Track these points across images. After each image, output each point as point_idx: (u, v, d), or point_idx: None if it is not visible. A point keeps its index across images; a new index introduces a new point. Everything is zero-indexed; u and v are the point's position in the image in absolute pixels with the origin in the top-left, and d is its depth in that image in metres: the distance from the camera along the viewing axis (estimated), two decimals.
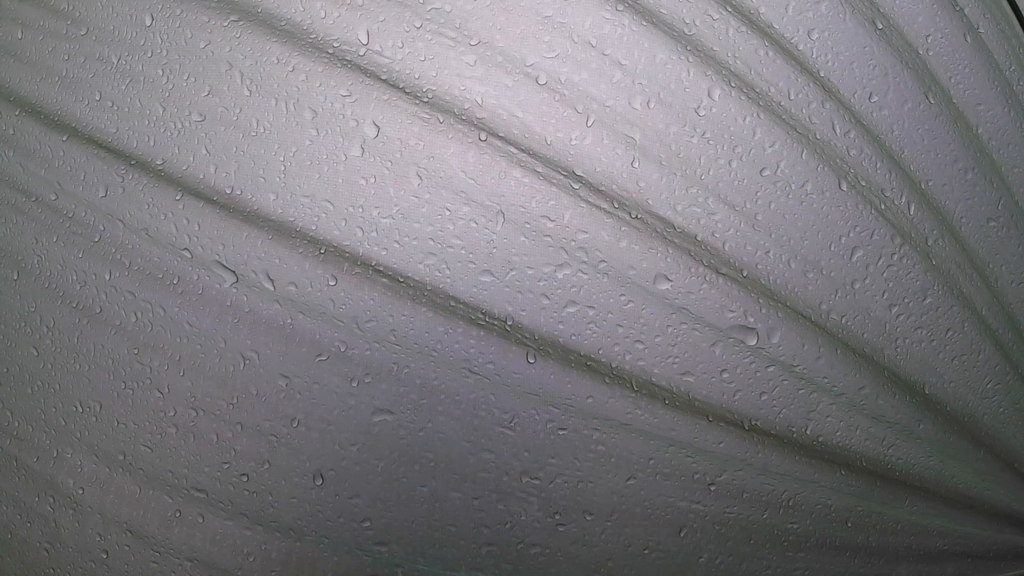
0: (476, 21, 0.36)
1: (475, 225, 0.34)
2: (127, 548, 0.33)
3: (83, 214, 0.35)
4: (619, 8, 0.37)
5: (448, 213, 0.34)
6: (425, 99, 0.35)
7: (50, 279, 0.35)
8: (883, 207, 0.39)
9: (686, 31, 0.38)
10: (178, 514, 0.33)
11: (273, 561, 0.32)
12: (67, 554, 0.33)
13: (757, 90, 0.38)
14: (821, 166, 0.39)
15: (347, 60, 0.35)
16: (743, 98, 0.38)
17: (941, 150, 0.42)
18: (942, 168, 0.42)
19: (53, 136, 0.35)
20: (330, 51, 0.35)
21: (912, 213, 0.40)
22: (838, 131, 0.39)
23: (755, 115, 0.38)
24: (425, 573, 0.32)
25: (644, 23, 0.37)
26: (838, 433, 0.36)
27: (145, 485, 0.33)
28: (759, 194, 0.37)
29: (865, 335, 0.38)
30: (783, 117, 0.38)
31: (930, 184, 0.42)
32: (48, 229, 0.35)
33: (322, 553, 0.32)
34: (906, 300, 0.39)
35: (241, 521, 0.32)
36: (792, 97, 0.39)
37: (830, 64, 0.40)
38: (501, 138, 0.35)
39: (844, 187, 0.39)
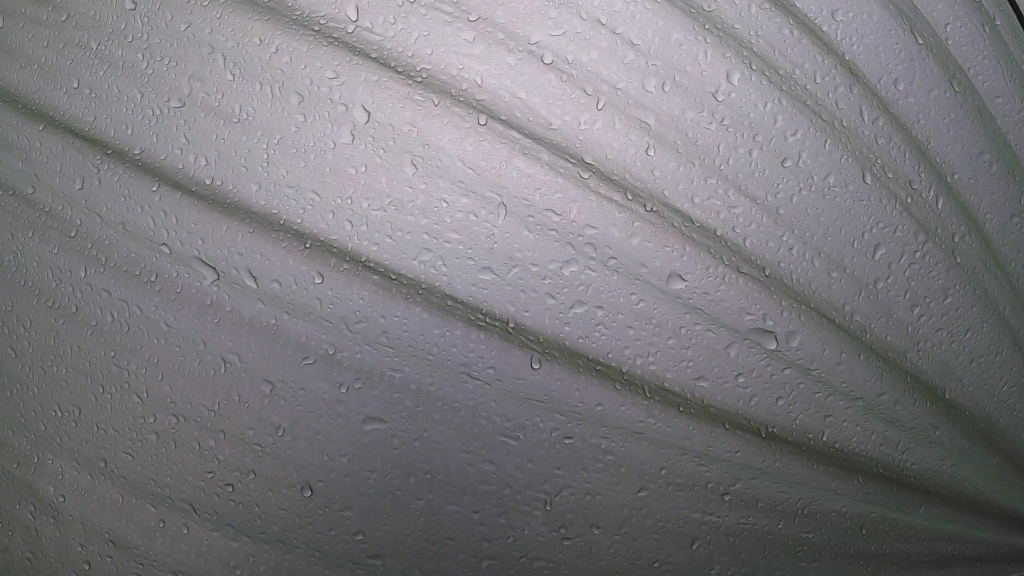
0: None
1: (474, 218, 0.28)
2: (109, 559, 0.28)
3: (60, 208, 0.30)
4: None
5: (445, 205, 0.28)
6: (419, 79, 0.29)
7: (26, 276, 0.30)
8: (909, 201, 0.33)
9: (705, 7, 0.32)
10: (162, 524, 0.28)
11: (262, 574, 0.28)
12: (49, 564, 0.29)
13: (780, 72, 0.32)
14: (845, 157, 0.33)
15: (334, 38, 0.29)
16: (764, 82, 0.32)
17: (967, 142, 0.36)
18: (968, 161, 0.36)
19: (30, 126, 0.30)
20: (316, 28, 0.29)
21: (940, 207, 0.34)
22: (866, 118, 0.33)
23: (776, 101, 0.32)
24: None
25: (659, 0, 0.31)
26: (854, 439, 0.31)
27: (128, 493, 0.28)
28: (781, 186, 0.31)
29: (888, 338, 0.32)
30: (807, 103, 0.32)
31: (956, 177, 0.36)
32: (25, 224, 0.30)
33: (313, 566, 0.28)
34: (928, 300, 0.33)
35: (228, 532, 0.28)
36: (818, 80, 0.33)
37: (855, 47, 0.34)
38: (503, 122, 0.29)
39: (868, 180, 0.33)
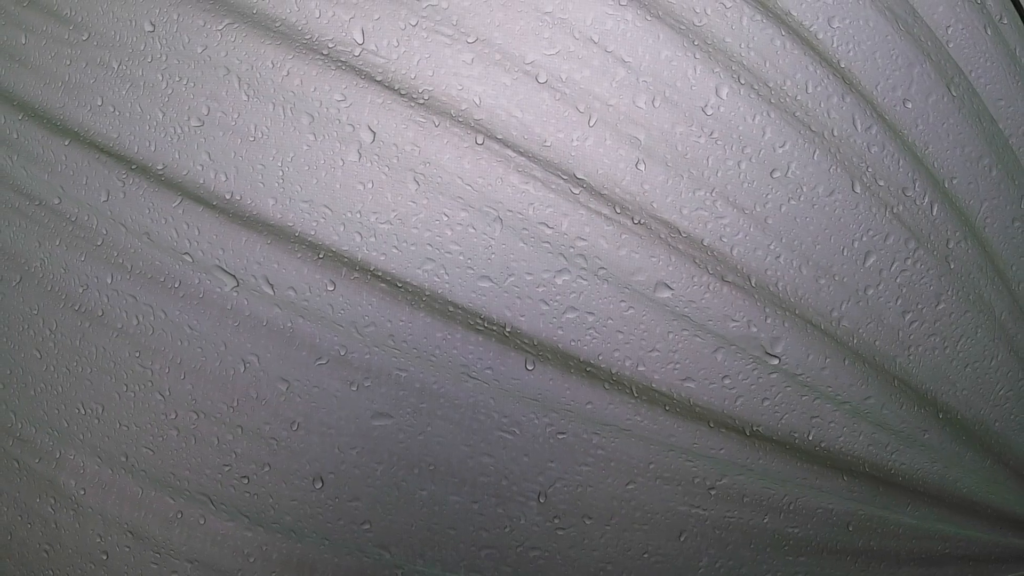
0: (473, 17, 0.36)
1: (473, 230, 0.35)
2: (127, 549, 0.34)
3: (86, 218, 0.36)
4: (622, 3, 0.38)
5: (446, 218, 0.35)
6: (421, 100, 0.36)
7: (53, 282, 0.36)
8: (900, 208, 0.39)
9: (696, 21, 0.38)
10: (179, 515, 0.34)
11: (274, 562, 0.34)
12: (67, 555, 0.34)
13: (770, 84, 0.38)
14: (834, 167, 0.39)
15: (342, 61, 0.36)
16: (752, 96, 0.38)
17: (966, 146, 0.42)
18: (967, 165, 0.42)
19: (55, 140, 0.37)
20: (325, 52, 0.36)
21: (935, 214, 0.40)
22: (859, 126, 0.39)
23: (765, 114, 0.38)
24: (425, 574, 0.34)
25: (649, 18, 0.38)
26: (841, 439, 0.37)
27: (147, 487, 0.34)
28: (769, 197, 0.37)
29: (877, 343, 0.38)
30: (796, 114, 0.38)
31: (955, 182, 0.41)
32: (51, 233, 0.36)
33: (323, 554, 0.34)
34: (920, 306, 0.39)
35: (242, 522, 0.34)
36: (810, 90, 0.39)
37: (851, 54, 0.40)
38: (499, 141, 0.36)
39: (858, 189, 0.39)
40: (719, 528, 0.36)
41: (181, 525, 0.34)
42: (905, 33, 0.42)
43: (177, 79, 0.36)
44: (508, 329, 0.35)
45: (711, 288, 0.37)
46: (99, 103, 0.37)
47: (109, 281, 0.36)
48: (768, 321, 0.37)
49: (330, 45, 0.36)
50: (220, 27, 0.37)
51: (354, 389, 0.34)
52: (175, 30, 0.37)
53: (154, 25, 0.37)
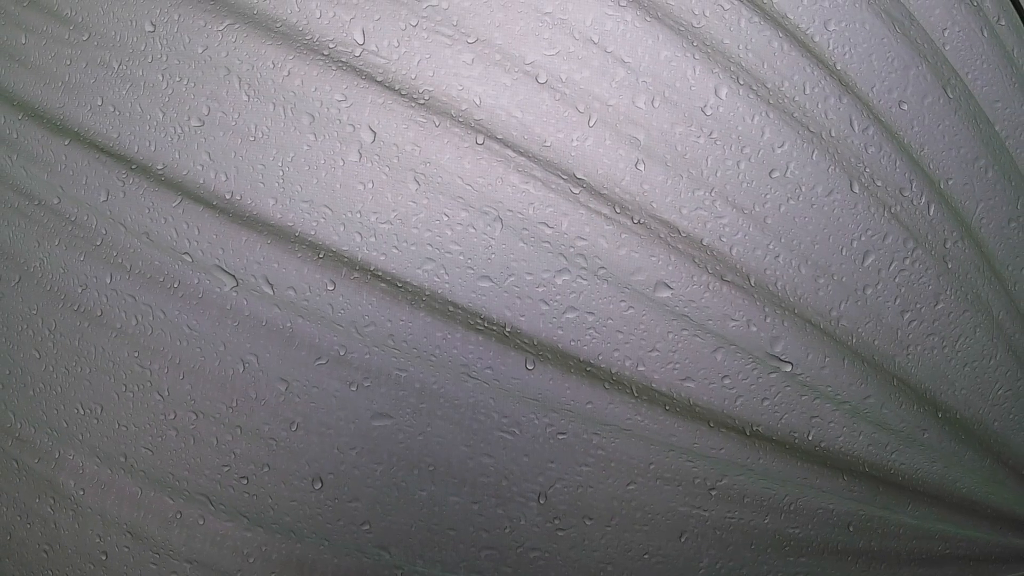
0: (473, 18, 0.37)
1: (473, 230, 0.35)
2: (126, 549, 0.34)
3: (85, 218, 0.36)
4: (622, 4, 0.38)
5: (446, 218, 0.35)
6: (421, 101, 0.36)
7: (52, 282, 0.36)
8: (898, 208, 0.40)
9: (695, 23, 0.38)
10: (179, 516, 0.34)
11: (273, 563, 0.34)
12: (66, 556, 0.34)
13: (769, 85, 0.38)
14: (833, 167, 0.39)
15: (343, 62, 0.36)
16: (752, 96, 0.38)
17: (962, 147, 0.43)
18: (963, 166, 0.42)
19: (55, 140, 0.37)
20: (325, 52, 0.36)
21: (932, 214, 0.40)
22: (856, 127, 0.39)
23: (764, 114, 0.38)
24: (425, 575, 0.34)
25: (648, 19, 0.38)
26: (840, 439, 0.37)
27: (146, 487, 0.34)
28: (768, 197, 0.38)
29: (876, 342, 0.38)
30: (795, 115, 0.39)
31: (951, 183, 0.42)
32: (50, 232, 0.36)
33: (322, 555, 0.34)
34: (918, 306, 0.39)
35: (241, 523, 0.34)
36: (807, 91, 0.39)
37: (848, 56, 0.40)
38: (499, 141, 0.36)
39: (856, 189, 0.39)
40: (720, 529, 0.36)
41: (180, 525, 0.35)
42: (901, 36, 0.43)
43: (178, 79, 0.36)
44: (508, 329, 0.35)
45: (711, 287, 0.37)
46: (99, 103, 0.37)
47: (108, 281, 0.36)
48: (767, 320, 0.37)
49: (331, 45, 0.37)
50: (221, 27, 0.37)
51: (354, 389, 0.35)
52: (176, 30, 0.37)
53: (155, 25, 0.37)
